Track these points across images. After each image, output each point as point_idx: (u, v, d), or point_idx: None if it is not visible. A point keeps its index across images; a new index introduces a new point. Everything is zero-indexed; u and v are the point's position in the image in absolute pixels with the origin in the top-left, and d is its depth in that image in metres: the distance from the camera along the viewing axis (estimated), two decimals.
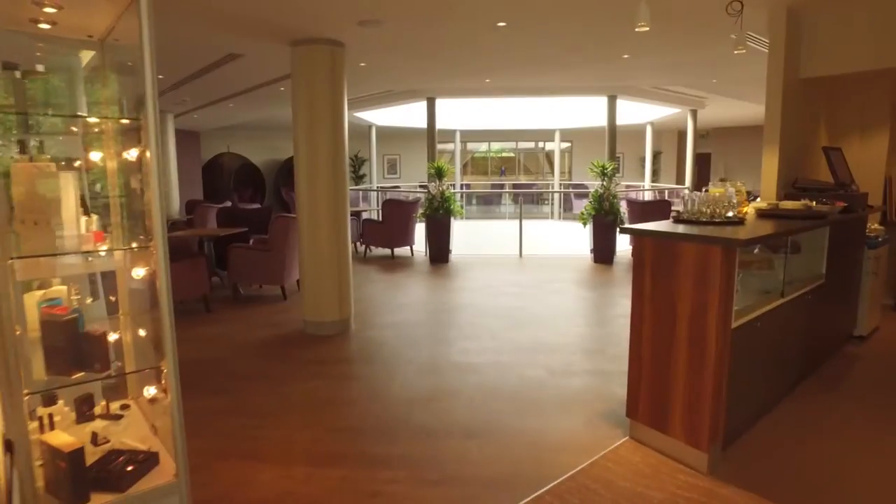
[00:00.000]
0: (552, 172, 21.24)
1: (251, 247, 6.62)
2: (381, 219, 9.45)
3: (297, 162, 5.20)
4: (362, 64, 6.66)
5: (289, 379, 4.15)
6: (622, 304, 6.25)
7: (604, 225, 8.74)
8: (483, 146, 21.66)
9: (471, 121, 16.70)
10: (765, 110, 4.78)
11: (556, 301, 6.48)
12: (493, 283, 7.48)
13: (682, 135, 20.16)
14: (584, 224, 9.02)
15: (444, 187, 9.01)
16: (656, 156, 19.40)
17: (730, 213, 3.34)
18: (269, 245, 6.43)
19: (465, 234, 16.97)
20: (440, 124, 16.89)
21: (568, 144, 19.85)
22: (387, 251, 9.71)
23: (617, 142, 19.73)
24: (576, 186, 17.74)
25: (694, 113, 11.44)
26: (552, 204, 17.72)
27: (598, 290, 7.07)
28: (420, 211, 9.20)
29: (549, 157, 21.27)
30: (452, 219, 9.17)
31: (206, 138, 16.09)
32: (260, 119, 14.95)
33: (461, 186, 17.14)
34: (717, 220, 3.21)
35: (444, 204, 8.94)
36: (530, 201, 19.67)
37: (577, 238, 16.08)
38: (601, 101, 12.79)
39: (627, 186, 17.21)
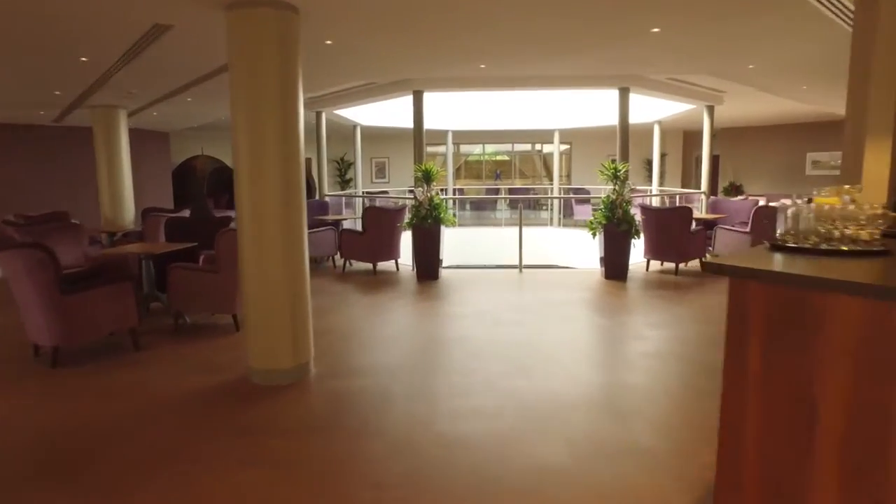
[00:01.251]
0: (549, 176, 20.16)
1: (196, 267, 5.42)
2: (361, 229, 8.27)
3: (237, 164, 4.03)
4: (328, 42, 5.49)
5: (211, 466, 2.96)
6: (649, 336, 5.10)
7: (616, 236, 7.60)
8: (477, 148, 20.55)
9: (463, 121, 15.58)
10: (848, 97, 3.64)
11: (567, 332, 5.32)
12: (490, 306, 6.31)
13: (688, 135, 19.12)
14: (594, 234, 7.87)
15: (433, 192, 7.85)
16: (662, 158, 18.34)
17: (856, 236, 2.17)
18: (218, 265, 5.25)
19: (458, 244, 15.80)
20: (430, 124, 15.72)
21: (567, 146, 18.76)
22: (369, 265, 8.53)
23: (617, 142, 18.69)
24: (576, 191, 16.63)
25: (710, 110, 10.33)
26: (551, 210, 16.60)
27: (616, 317, 5.91)
28: (405, 220, 8.03)
29: (545, 160, 20.18)
30: (443, 228, 8.00)
31: (178, 140, 14.88)
32: None
33: (454, 192, 16.00)
34: (850, 249, 2.04)
35: (433, 212, 7.77)
36: (527, 206, 18.59)
37: (581, 247, 14.94)
38: (605, 98, 11.68)
39: (632, 191, 16.14)
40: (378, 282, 7.79)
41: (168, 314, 5.81)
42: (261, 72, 3.88)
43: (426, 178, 7.86)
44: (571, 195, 16.15)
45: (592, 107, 14.82)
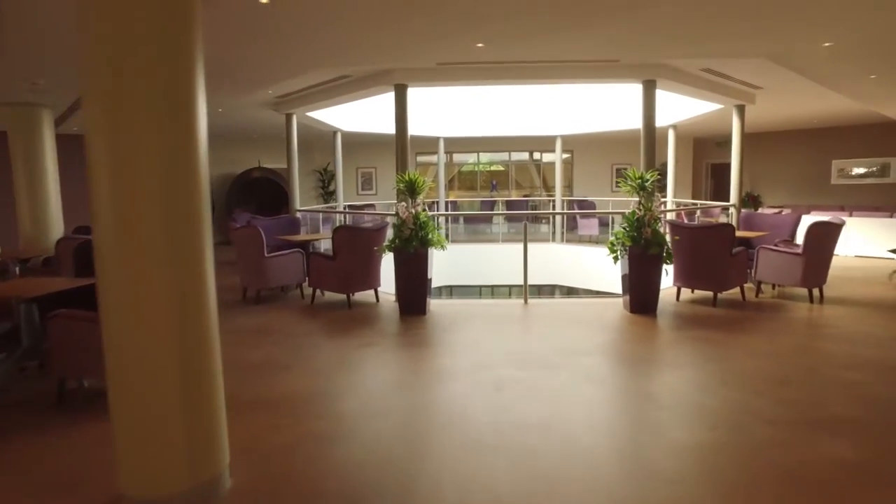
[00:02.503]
0: (546, 187, 18.78)
1: (84, 315, 3.94)
2: (332, 253, 6.81)
3: (91, 170, 2.55)
4: None
5: None
6: (712, 408, 3.64)
7: (644, 261, 6.18)
8: (472, 157, 19.17)
9: (456, 127, 14.20)
10: None
11: (596, 405, 3.87)
12: (490, 356, 4.85)
13: (698, 142, 17.81)
14: (615, 258, 6.44)
15: (420, 208, 6.41)
16: (658, 169, 17.00)
17: None
18: None
19: (451, 263, 14.36)
20: (420, 130, 14.36)
21: (568, 155, 17.40)
22: (343, 296, 7.06)
23: (625, 150, 17.34)
24: (580, 203, 15.24)
25: (741, 110, 8.96)
26: (552, 224, 15.20)
27: (657, 375, 4.47)
28: (385, 243, 6.58)
29: (543, 170, 18.83)
30: (432, 250, 6.56)
31: None
32: (211, 124, 12.33)
33: (447, 206, 14.56)
34: None
35: (419, 232, 6.33)
36: (524, 217, 17.18)
37: (589, 267, 13.56)
38: (613, 99, 10.44)
39: (662, 204, 14.78)
40: (352, 318, 6.32)
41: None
42: (130, 35, 2.44)
43: (410, 190, 6.43)
44: (576, 208, 14.75)
45: (598, 109, 13.48)
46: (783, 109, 10.55)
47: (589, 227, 14.40)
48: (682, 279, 6.72)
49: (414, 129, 14.34)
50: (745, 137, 8.95)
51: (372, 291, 7.13)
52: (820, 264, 6.64)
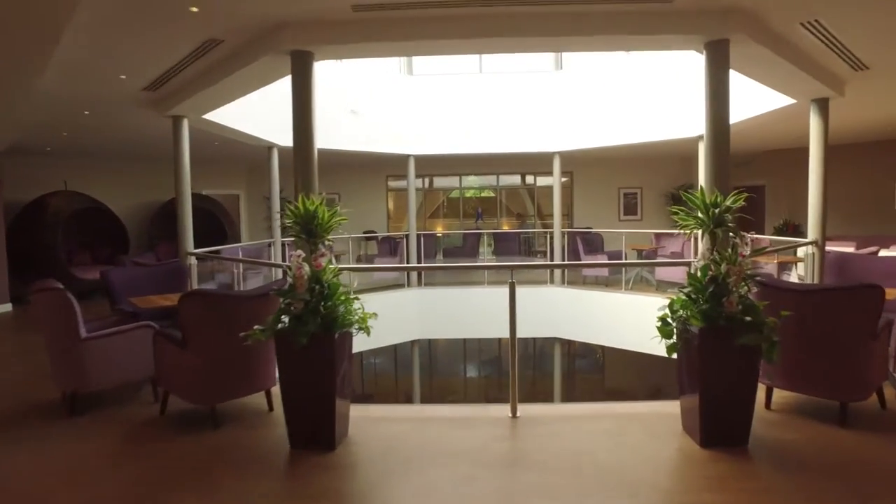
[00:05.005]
0: (540, 215, 16.09)
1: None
2: (181, 336, 3.96)
3: None
4: None
5: None
6: None
7: (726, 355, 3.39)
8: (452, 181, 16.50)
9: (430, 142, 11.56)
10: None
11: None
12: None
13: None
14: (671, 349, 3.63)
15: (325, 259, 3.62)
16: (686, 190, 14.33)
17: None
18: None
19: (427, 312, 11.56)
20: (384, 145, 11.65)
21: (566, 179, 14.74)
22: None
23: (635, 170, 14.67)
24: (583, 235, 12.48)
25: (823, 106, 6.28)
26: (550, 256, 12.45)
27: None
28: (267, 323, 3.72)
29: (537, 195, 16.14)
30: (356, 331, 3.77)
31: (26, 168, 10.66)
32: (135, 142, 9.67)
33: (418, 241, 11.78)
34: None
35: (322, 304, 3.53)
36: (516, 252, 14.45)
37: (600, 317, 10.78)
38: (624, 103, 7.92)
39: (657, 235, 12.07)
40: (205, 458, 3.51)
41: None
42: None
43: (307, 227, 3.65)
44: (578, 241, 12.00)
45: (605, 117, 10.86)
46: (866, 110, 7.78)
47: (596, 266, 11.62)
48: (781, 376, 3.92)
49: (376, 145, 11.85)
50: (778, 154, 6.28)
51: (263, 394, 4.30)
52: None
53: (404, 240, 11.72)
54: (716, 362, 3.43)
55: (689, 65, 9.30)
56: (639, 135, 10.29)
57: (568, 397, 13.76)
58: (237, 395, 4.16)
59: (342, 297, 3.65)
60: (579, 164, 14.33)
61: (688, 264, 4.33)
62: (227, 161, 13.78)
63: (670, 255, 10.64)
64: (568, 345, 12.61)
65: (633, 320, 10.15)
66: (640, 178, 14.76)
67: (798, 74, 5.18)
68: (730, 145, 4.43)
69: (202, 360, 3.92)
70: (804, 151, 6.52)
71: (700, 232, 3.64)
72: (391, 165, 13.39)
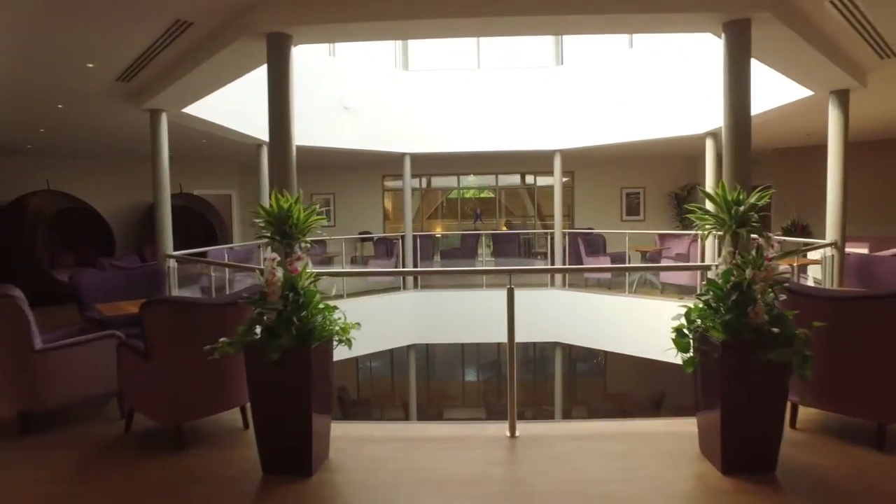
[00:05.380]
0: (539, 216, 15.71)
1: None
2: (145, 350, 3.58)
3: None
4: None
5: None
6: None
7: (752, 372, 3.00)
8: (451, 181, 16.13)
9: (426, 140, 11.19)
10: None
11: None
12: None
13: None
14: (689, 365, 3.24)
15: (301, 263, 3.24)
16: (690, 190, 14.04)
17: None
18: None
19: (423, 316, 11.17)
20: (378, 143, 11.27)
21: (567, 178, 14.37)
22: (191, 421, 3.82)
23: (637, 170, 14.29)
24: (585, 236, 12.09)
25: (843, 98, 5.89)
26: (551, 262, 12.07)
27: None
28: (237, 335, 3.33)
29: (537, 195, 15.78)
30: (337, 344, 3.39)
31: (8, 166, 10.30)
32: (118, 140, 9.28)
33: (414, 242, 11.39)
34: None
35: (297, 314, 3.15)
36: (516, 254, 14.06)
37: (602, 320, 10.41)
38: (629, 98, 7.63)
39: (661, 236, 11.68)
40: (169, 483, 3.11)
41: None
42: None
43: (280, 230, 3.27)
44: (579, 242, 11.62)
45: (608, 113, 10.49)
46: (889, 101, 7.31)
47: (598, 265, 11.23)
48: (810, 393, 3.52)
49: (370, 143, 11.45)
50: (786, 153, 5.84)
51: (238, 409, 3.92)
52: None
53: (400, 241, 11.33)
54: (740, 379, 3.04)
55: (697, 58, 8.93)
56: (642, 132, 9.91)
57: (568, 402, 13.39)
58: (208, 413, 3.78)
59: (320, 306, 3.26)
60: (580, 164, 13.96)
61: (705, 268, 3.92)
62: (217, 160, 13.39)
63: (675, 257, 10.25)
64: (569, 348, 12.22)
65: (636, 324, 9.79)
66: (642, 178, 14.38)
67: (821, 62, 4.79)
68: (751, 137, 4.03)
69: (167, 373, 3.53)
70: (814, 149, 6.18)
71: (720, 233, 3.26)
72: (388, 165, 13.03)
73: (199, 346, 3.34)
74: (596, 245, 11.93)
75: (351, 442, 3.69)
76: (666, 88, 9.43)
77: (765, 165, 13.21)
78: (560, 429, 4.03)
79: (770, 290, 3.02)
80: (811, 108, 6.35)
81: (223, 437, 3.79)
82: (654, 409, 13.16)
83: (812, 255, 6.82)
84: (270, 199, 3.31)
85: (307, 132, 9.94)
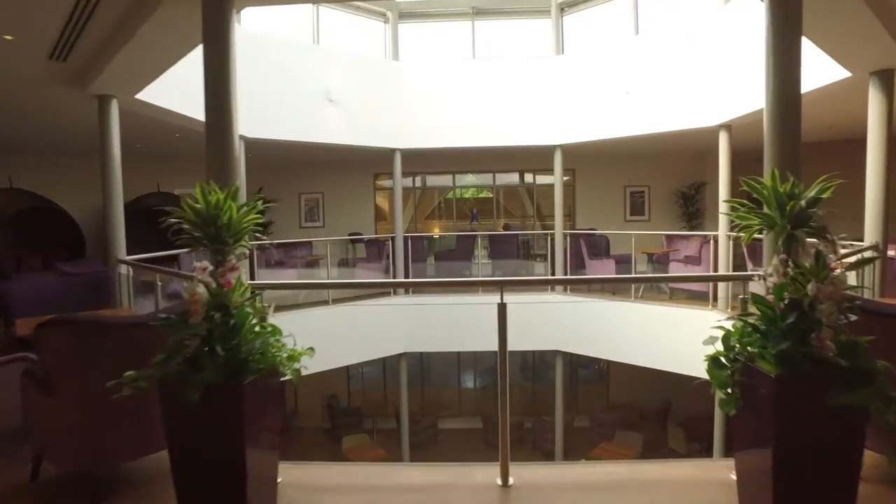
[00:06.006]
0: (539, 216, 15.02)
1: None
2: (45, 382, 2.87)
3: None
4: None
5: None
6: None
7: (822, 413, 2.29)
8: (445, 179, 15.42)
9: (419, 135, 10.52)
10: None
11: None
12: None
13: (739, 158, 14.13)
14: (729, 405, 2.53)
15: (234, 275, 2.54)
16: (698, 189, 13.35)
17: None
18: None
19: (414, 323, 10.47)
20: (367, 138, 10.54)
21: (568, 177, 13.68)
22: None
23: (642, 168, 13.58)
24: (587, 237, 11.39)
25: (885, 79, 5.19)
26: (551, 264, 11.39)
27: None
28: (152, 367, 2.62)
29: (536, 194, 15.09)
30: (288, 374, 2.68)
31: None
32: (81, 134, 8.55)
33: (405, 244, 10.68)
34: None
35: (227, 341, 2.44)
36: (514, 255, 13.37)
37: (606, 328, 9.74)
38: (634, 87, 7.07)
39: (669, 237, 10.98)
40: None
41: None
42: None
43: (209, 230, 2.57)
44: (581, 244, 10.92)
45: (612, 105, 9.80)
46: None
47: (601, 270, 10.54)
48: (881, 438, 2.82)
49: (357, 138, 10.69)
50: (806, 148, 5.05)
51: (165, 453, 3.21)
52: None
53: (389, 243, 10.63)
54: (799, 424, 2.34)
55: (708, 44, 8.25)
56: (650, 125, 9.23)
57: (570, 412, 12.73)
58: (126, 458, 3.08)
59: (257, 329, 2.57)
60: (582, 161, 13.27)
61: (747, 278, 3.18)
62: (197, 156, 12.67)
63: (684, 260, 9.56)
64: (570, 356, 11.55)
65: (643, 332, 9.13)
66: (647, 176, 13.69)
67: (873, 30, 4.08)
68: (800, 110, 3.32)
69: (73, 411, 2.83)
70: (832, 145, 5.48)
71: (770, 235, 2.56)
72: (380, 163, 12.33)
73: (116, 375, 2.64)
74: (599, 247, 11.24)
75: (305, 492, 3.00)
76: (675, 78, 8.76)
77: (760, 164, 12.54)
78: (563, 475, 3.33)
79: (839, 308, 2.32)
80: (845, 93, 5.65)
81: (146, 487, 3.09)
82: (662, 418, 12.49)
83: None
84: (196, 192, 2.61)
85: (288, 125, 9.30)
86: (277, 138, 9.03)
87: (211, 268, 2.59)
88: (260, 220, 2.65)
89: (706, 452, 10.16)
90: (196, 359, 2.44)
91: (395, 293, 10.31)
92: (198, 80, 5.83)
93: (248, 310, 2.57)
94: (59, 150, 10.33)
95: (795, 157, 3.33)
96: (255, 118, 8.72)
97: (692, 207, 13.18)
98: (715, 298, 8.35)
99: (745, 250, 8.38)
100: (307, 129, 9.14)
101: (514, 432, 12.74)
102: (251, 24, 9.03)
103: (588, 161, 13.29)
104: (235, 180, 3.14)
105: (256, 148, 10.05)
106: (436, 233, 15.65)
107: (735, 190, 13.33)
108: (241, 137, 8.63)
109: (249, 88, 8.84)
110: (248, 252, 2.73)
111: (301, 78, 9.27)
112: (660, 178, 13.58)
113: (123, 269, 5.48)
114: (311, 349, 2.78)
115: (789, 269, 2.44)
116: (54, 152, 10.42)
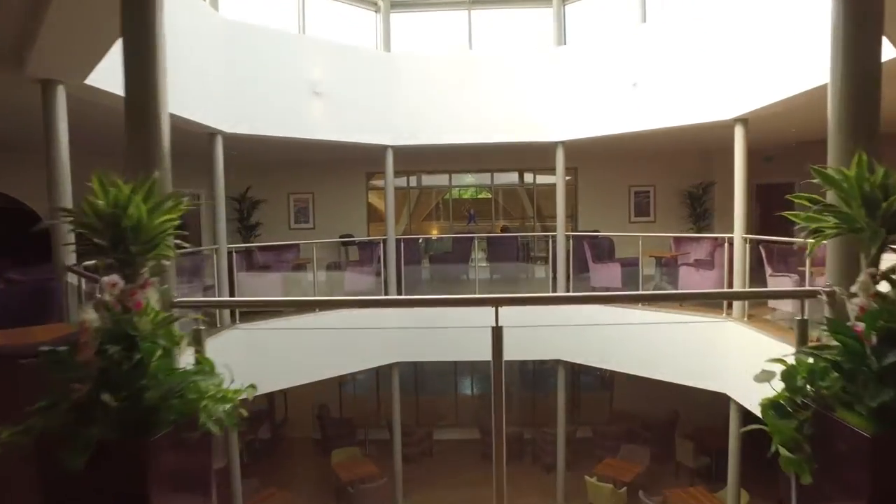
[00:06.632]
0: (539, 217, 14.42)
1: None
2: None
3: None
4: None
5: None
6: None
7: None
8: (442, 178, 14.82)
9: (411, 131, 9.92)
10: None
11: None
12: None
13: (752, 155, 13.55)
14: (804, 474, 1.90)
15: (146, 296, 1.92)
16: (706, 189, 12.76)
17: None
18: None
19: (406, 333, 9.87)
20: (356, 134, 9.91)
21: (570, 177, 13.08)
22: None
23: (645, 168, 12.95)
24: (590, 239, 10.78)
25: None
26: (552, 268, 10.79)
27: None
28: (30, 419, 2.00)
29: (536, 194, 14.50)
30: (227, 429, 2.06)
31: None
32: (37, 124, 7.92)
33: (397, 247, 10.07)
34: None
35: (128, 380, 1.82)
36: (513, 258, 12.77)
37: (610, 336, 9.15)
38: (642, 79, 6.47)
39: (677, 240, 10.38)
40: None
41: None
42: None
43: (113, 235, 1.94)
44: (584, 246, 10.32)
45: (617, 98, 9.22)
46: None
47: (606, 275, 9.93)
48: None
49: (346, 134, 10.07)
50: (812, 146, 4.44)
51: None
52: None
53: (381, 245, 10.03)
54: None
55: (721, 30, 7.67)
56: (659, 120, 8.64)
57: (572, 423, 12.16)
58: None
59: (174, 366, 1.95)
60: (584, 160, 12.67)
61: (811, 295, 2.50)
62: (179, 155, 12.06)
63: (695, 264, 8.96)
64: (572, 366, 10.96)
65: (651, 342, 8.56)
66: (652, 175, 13.11)
67: None
68: (880, 96, 2.65)
69: None
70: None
71: (837, 241, 1.95)
72: (372, 162, 11.74)
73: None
74: (603, 250, 10.65)
75: None
76: (687, 68, 8.18)
77: (782, 162, 11.95)
78: None
79: None
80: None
81: None
82: (669, 430, 11.89)
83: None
84: (94, 184, 1.99)
85: (270, 120, 8.70)
86: (259, 134, 8.43)
87: (120, 283, 1.98)
88: (177, 223, 2.03)
89: (717, 474, 9.56)
90: (87, 407, 1.82)
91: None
92: (172, 71, 5.22)
93: (162, 340, 1.94)
94: (27, 146, 9.70)
95: (874, 135, 2.62)
96: (234, 112, 8.12)
97: (700, 208, 12.60)
98: (730, 306, 7.75)
99: (763, 253, 7.77)
100: (291, 124, 8.56)
101: (512, 445, 12.23)
102: (229, 11, 8.44)
103: (591, 159, 12.71)
104: (155, 171, 2.54)
105: (240, 145, 9.45)
106: (431, 234, 15.07)
107: (750, 190, 12.72)
108: (219, 133, 8.04)
109: (228, 80, 8.28)
110: (167, 264, 2.12)
111: (285, 69, 8.68)
112: (665, 178, 13.00)
113: (71, 277, 4.87)
114: (252, 386, 2.16)
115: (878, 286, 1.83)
116: (22, 150, 9.80)
